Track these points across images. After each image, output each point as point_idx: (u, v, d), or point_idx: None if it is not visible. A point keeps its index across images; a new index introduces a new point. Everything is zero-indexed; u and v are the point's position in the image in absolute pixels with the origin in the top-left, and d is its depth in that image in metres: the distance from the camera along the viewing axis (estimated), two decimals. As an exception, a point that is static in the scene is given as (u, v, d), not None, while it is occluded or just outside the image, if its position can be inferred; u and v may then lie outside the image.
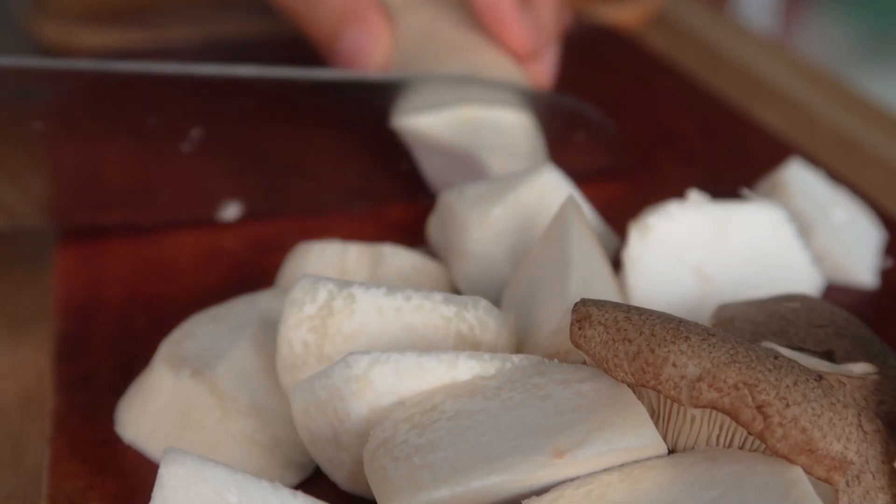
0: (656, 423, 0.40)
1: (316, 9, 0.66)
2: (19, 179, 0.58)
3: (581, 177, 0.59)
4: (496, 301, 0.51)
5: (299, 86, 0.60)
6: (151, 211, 0.62)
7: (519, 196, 0.53)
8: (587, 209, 0.54)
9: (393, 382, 0.40)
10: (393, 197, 0.64)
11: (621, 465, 0.38)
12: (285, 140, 0.62)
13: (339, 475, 0.43)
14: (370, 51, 0.64)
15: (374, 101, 0.61)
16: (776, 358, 0.39)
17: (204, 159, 0.60)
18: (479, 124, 0.61)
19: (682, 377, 0.38)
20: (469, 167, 0.60)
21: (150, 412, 0.46)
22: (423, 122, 0.62)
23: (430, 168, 0.63)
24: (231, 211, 0.62)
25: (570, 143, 0.66)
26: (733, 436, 0.39)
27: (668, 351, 0.38)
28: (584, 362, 0.42)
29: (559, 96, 0.66)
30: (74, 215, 0.61)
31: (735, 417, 0.37)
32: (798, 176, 0.59)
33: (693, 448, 0.40)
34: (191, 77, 0.58)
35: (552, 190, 0.54)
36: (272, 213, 0.63)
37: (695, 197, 0.53)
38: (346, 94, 0.61)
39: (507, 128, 0.62)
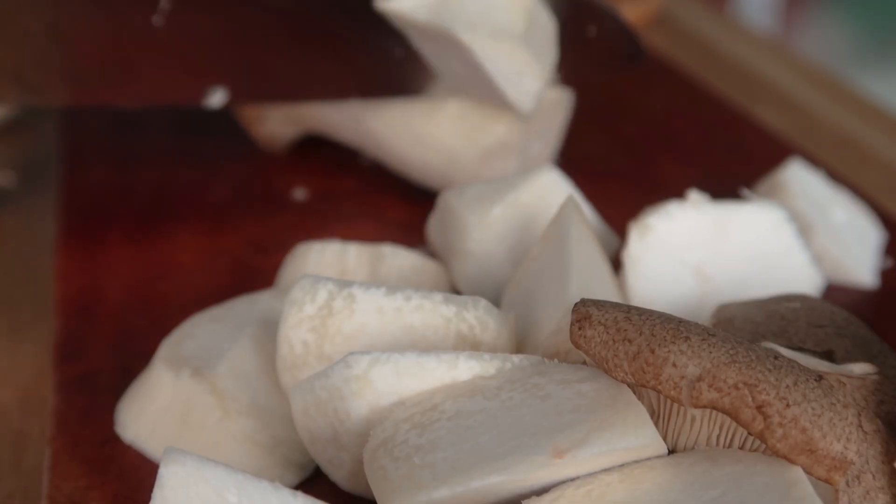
0: (656, 423, 0.40)
1: None
2: None
3: (597, 75, 0.57)
4: (496, 301, 0.51)
5: None
6: (130, 91, 0.59)
7: (519, 196, 0.53)
8: (587, 209, 0.54)
9: (393, 382, 0.40)
10: (386, 86, 0.62)
11: (621, 465, 0.38)
12: (265, 17, 0.60)
13: (339, 475, 0.43)
14: None
15: None
16: (776, 358, 0.39)
17: (178, 34, 0.58)
18: (463, 4, 0.57)
19: (682, 377, 0.38)
20: (457, 50, 0.57)
21: (150, 412, 0.46)
22: (403, 3, 0.58)
23: (427, 53, 0.60)
24: (217, 97, 0.60)
25: (583, 37, 0.62)
26: (733, 436, 0.39)
27: (668, 351, 0.38)
28: (584, 362, 0.42)
29: None
30: (51, 93, 0.59)
31: (735, 417, 0.37)
32: (798, 176, 0.59)
33: (693, 448, 0.40)
34: None
35: (552, 189, 0.54)
36: (259, 98, 0.62)
37: (694, 197, 0.53)
38: None
39: (499, 8, 0.58)
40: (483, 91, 0.59)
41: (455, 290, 0.53)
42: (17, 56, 0.57)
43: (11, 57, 0.57)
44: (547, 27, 0.60)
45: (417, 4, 0.58)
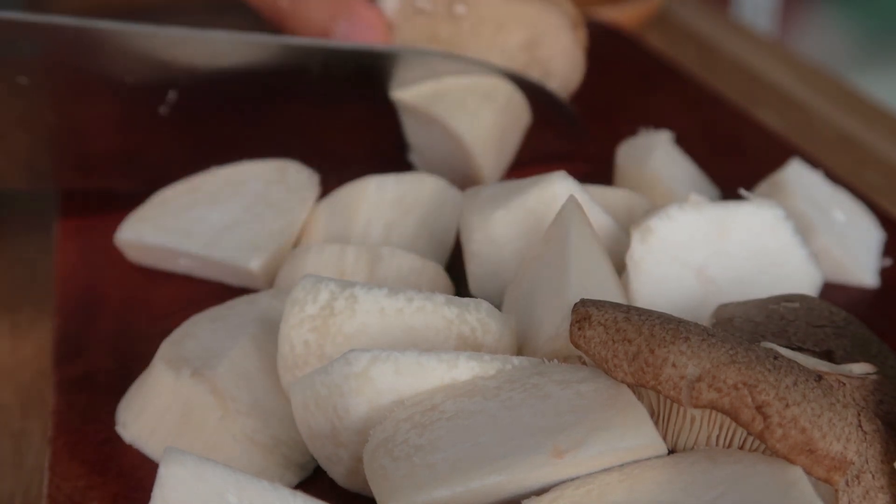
0: (656, 423, 0.40)
1: (302, 4, 0.66)
2: (4, 139, 0.59)
3: (544, 160, 0.63)
4: (501, 302, 0.51)
5: (276, 52, 0.61)
6: (134, 176, 0.62)
7: (526, 201, 0.53)
8: (599, 211, 0.53)
9: (393, 380, 0.40)
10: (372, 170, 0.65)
11: (621, 465, 0.38)
12: (260, 106, 0.63)
13: (337, 471, 0.43)
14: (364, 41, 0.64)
15: (363, 72, 0.63)
16: (776, 358, 0.39)
17: (182, 123, 0.61)
18: (453, 92, 0.64)
19: (682, 377, 0.38)
20: (445, 134, 0.63)
21: (150, 412, 0.46)
22: (407, 93, 0.64)
23: (411, 131, 0.66)
24: None
25: (537, 123, 0.67)
26: (733, 436, 0.39)
27: (668, 351, 0.38)
28: (582, 361, 0.42)
29: (530, 80, 0.66)
30: (60, 178, 0.62)
31: (735, 417, 0.37)
32: (798, 176, 0.59)
33: (693, 448, 0.40)
34: (167, 38, 0.59)
35: (564, 195, 0.53)
36: None
37: (694, 197, 0.53)
38: (326, 63, 0.62)
39: (485, 94, 0.64)
40: (453, 166, 0.65)
41: (456, 291, 0.53)
42: (30, 145, 0.61)
43: (25, 146, 0.60)
44: (519, 109, 0.66)
45: (417, 94, 0.64)
